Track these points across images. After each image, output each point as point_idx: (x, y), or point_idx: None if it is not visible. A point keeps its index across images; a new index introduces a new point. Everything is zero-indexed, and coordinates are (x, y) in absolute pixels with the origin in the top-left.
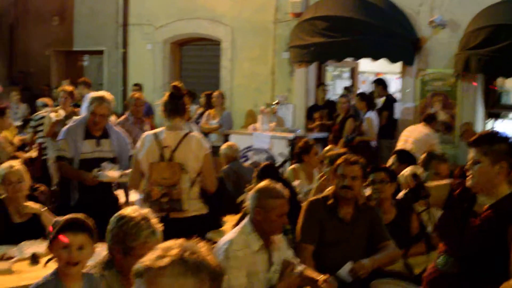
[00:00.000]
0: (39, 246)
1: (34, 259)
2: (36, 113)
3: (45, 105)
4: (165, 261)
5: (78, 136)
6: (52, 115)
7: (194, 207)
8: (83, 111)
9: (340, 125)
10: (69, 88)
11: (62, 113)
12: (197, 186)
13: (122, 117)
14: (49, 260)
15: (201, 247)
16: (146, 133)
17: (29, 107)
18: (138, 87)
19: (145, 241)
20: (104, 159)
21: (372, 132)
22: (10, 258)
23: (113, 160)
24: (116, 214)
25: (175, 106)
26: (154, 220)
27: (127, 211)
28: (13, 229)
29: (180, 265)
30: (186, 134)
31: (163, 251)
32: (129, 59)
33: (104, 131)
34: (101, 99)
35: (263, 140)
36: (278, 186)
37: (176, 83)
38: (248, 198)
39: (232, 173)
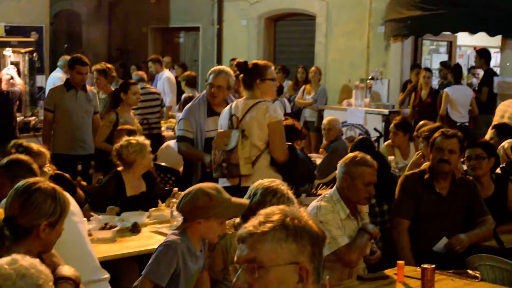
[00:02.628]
0: (140, 216)
1: (135, 228)
2: None
3: (141, 79)
4: (268, 226)
5: (202, 114)
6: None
7: (262, 175)
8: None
9: (431, 99)
10: (100, 66)
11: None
12: (266, 154)
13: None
14: None
15: (302, 213)
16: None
17: None
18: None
19: None
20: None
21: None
22: (113, 227)
23: None
24: (257, 186)
25: (245, 80)
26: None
27: (269, 183)
28: (125, 201)
29: (282, 231)
30: (256, 103)
31: (265, 217)
32: (224, 35)
33: (226, 105)
34: (218, 71)
35: (357, 115)
36: (368, 156)
37: (239, 60)
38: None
39: (341, 148)
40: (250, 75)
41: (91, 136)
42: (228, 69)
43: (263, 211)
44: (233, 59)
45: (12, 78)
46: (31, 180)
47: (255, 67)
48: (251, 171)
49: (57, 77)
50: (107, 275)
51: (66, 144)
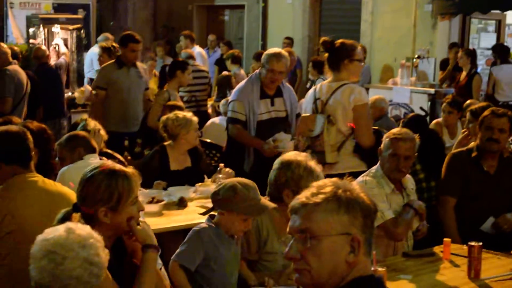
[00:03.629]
0: (187, 191)
1: (182, 202)
2: None
3: (190, 57)
4: (320, 197)
5: (255, 96)
6: None
7: (347, 163)
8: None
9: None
10: (106, 44)
11: None
12: (351, 141)
13: None
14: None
15: (354, 185)
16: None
17: None
18: (290, 40)
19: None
20: (277, 119)
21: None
22: (160, 201)
23: (285, 119)
24: (282, 160)
25: (330, 60)
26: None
27: (292, 156)
28: (169, 175)
29: (334, 202)
30: (341, 86)
31: (317, 189)
32: (269, 13)
33: (277, 88)
34: (279, 56)
35: (403, 94)
36: (407, 132)
37: (325, 38)
38: None
39: (385, 127)
40: (337, 55)
41: (141, 113)
42: (285, 52)
43: (315, 183)
44: (287, 38)
45: (57, 45)
46: (95, 165)
47: (342, 46)
48: (336, 159)
49: (94, 53)
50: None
51: (120, 122)
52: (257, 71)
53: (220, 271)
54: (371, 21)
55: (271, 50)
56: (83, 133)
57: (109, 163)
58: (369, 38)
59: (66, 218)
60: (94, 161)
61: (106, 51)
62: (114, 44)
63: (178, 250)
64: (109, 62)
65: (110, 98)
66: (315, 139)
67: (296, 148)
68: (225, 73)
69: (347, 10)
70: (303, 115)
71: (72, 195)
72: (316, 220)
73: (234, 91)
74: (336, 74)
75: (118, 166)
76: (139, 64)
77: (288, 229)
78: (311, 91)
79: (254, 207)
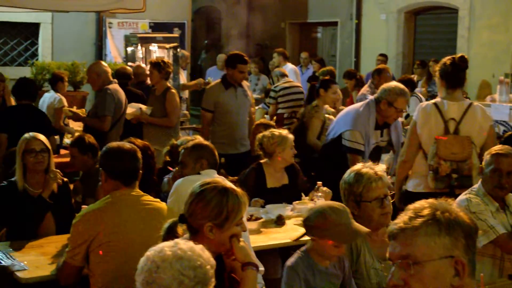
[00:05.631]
0: (284, 209)
1: (280, 220)
2: (276, 84)
3: (283, 75)
4: (418, 221)
5: (370, 126)
6: None
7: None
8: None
9: None
10: (156, 59)
11: None
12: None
13: (364, 88)
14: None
15: (452, 205)
16: (424, 103)
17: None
18: (384, 57)
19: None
20: (378, 147)
21: None
22: (258, 219)
23: (381, 148)
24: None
25: (458, 77)
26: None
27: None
28: (266, 192)
29: (434, 225)
30: (470, 105)
31: (414, 212)
32: (363, 29)
33: None
34: (405, 95)
35: (502, 111)
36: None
37: (462, 54)
38: None
39: None
40: (465, 72)
41: (247, 133)
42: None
43: (411, 206)
44: (381, 55)
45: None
46: (206, 180)
47: (467, 62)
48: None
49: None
50: (262, 268)
51: (228, 144)
52: (372, 98)
53: None
54: (468, 37)
55: (397, 85)
56: (210, 144)
57: (221, 180)
58: (466, 54)
59: (171, 228)
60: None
61: (156, 67)
62: (165, 60)
63: None
64: (215, 83)
65: (217, 120)
66: (463, 162)
67: (436, 172)
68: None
69: (443, 26)
70: (440, 138)
71: (167, 212)
72: (417, 245)
73: (349, 119)
74: (459, 91)
75: (229, 185)
76: (244, 82)
77: (388, 256)
78: (432, 111)
79: (345, 232)
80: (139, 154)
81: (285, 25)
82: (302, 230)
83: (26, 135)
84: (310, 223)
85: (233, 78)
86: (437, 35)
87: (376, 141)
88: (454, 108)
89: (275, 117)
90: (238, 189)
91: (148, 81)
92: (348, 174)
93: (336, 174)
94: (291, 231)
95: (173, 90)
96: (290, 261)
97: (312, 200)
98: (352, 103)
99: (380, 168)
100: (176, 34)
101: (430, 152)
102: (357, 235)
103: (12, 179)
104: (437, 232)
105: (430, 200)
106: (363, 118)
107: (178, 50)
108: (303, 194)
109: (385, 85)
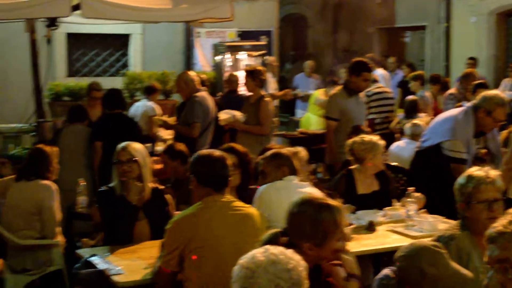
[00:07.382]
0: (375, 215)
1: (371, 226)
2: (368, 89)
3: (374, 80)
4: None
5: (470, 135)
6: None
7: None
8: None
9: None
10: (249, 67)
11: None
12: None
13: (451, 90)
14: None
15: None
16: None
17: None
18: (473, 61)
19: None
20: (477, 157)
21: None
22: (349, 225)
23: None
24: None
25: None
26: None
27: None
28: (356, 199)
29: None
30: None
31: None
32: (452, 33)
33: None
34: (505, 105)
35: None
36: None
37: None
38: None
39: None
40: None
41: None
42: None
43: (511, 210)
44: (471, 58)
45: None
46: (302, 197)
47: None
48: None
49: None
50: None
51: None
52: (469, 105)
53: None
54: None
55: (497, 95)
56: (287, 152)
57: (317, 195)
58: None
59: (272, 240)
60: (293, 183)
61: (250, 75)
62: (258, 68)
63: None
64: (337, 90)
65: (339, 128)
66: None
67: None
68: (412, 97)
69: None
70: None
71: (259, 217)
72: None
73: (448, 128)
74: None
75: (325, 200)
76: None
77: (486, 259)
78: None
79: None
80: (229, 162)
81: (373, 30)
82: (394, 236)
83: (119, 145)
84: (404, 275)
85: (357, 85)
86: None
87: (465, 150)
88: None
89: (366, 122)
90: (333, 203)
91: (240, 89)
92: (461, 176)
93: (431, 181)
94: (382, 237)
95: (267, 99)
96: None
97: (404, 206)
98: (437, 108)
99: (494, 172)
100: (263, 41)
101: None
102: (465, 284)
103: (111, 184)
104: None
105: None
106: (462, 127)
107: (265, 57)
108: (395, 200)
109: (485, 93)
